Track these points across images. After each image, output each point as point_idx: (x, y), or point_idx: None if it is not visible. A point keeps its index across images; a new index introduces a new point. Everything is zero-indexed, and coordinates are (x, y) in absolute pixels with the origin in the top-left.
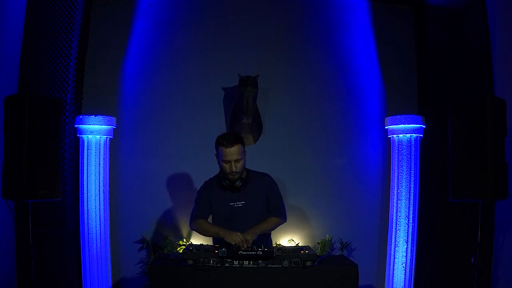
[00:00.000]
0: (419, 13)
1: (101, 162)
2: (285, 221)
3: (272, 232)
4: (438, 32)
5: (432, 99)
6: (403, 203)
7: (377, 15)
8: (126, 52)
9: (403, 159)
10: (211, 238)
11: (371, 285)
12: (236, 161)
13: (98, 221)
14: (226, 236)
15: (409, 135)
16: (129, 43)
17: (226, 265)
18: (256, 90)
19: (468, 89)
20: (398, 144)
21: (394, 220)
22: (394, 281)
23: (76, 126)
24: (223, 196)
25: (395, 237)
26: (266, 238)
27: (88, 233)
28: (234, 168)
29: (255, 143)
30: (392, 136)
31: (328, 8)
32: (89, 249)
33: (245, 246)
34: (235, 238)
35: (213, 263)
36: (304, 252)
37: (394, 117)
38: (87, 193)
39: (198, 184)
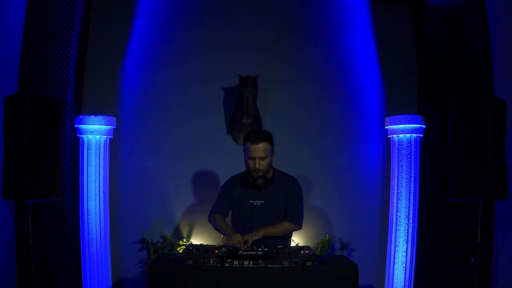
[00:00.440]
0: (419, 13)
1: (101, 162)
2: (300, 228)
3: None
4: (438, 32)
5: (432, 99)
6: (403, 203)
7: (377, 15)
8: (126, 52)
9: (403, 159)
10: (211, 238)
11: (371, 285)
12: (261, 158)
13: (98, 221)
14: (228, 237)
15: (409, 135)
16: (129, 43)
17: (226, 265)
18: (256, 90)
19: (468, 89)
20: (398, 144)
21: (394, 220)
22: (394, 281)
23: (76, 126)
24: (244, 193)
25: (395, 237)
26: (285, 241)
27: (88, 233)
28: (257, 165)
29: None
30: (392, 136)
31: (328, 8)
32: (89, 249)
33: (244, 246)
34: (233, 239)
35: (213, 263)
36: (304, 252)
37: (394, 117)
38: (87, 193)
39: (198, 184)
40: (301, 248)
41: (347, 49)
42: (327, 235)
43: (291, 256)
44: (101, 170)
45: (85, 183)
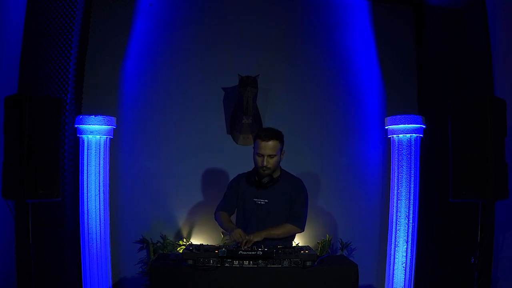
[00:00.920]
0: (419, 13)
1: (101, 162)
2: (302, 231)
3: None
4: (438, 32)
5: (432, 99)
6: (403, 203)
7: (377, 15)
8: (126, 52)
9: (403, 159)
10: (211, 238)
11: (371, 285)
12: (270, 156)
13: (98, 221)
14: (230, 233)
15: (409, 135)
16: (129, 43)
17: (226, 265)
18: (256, 90)
19: (468, 89)
20: (398, 144)
21: (394, 220)
22: (394, 281)
23: (76, 126)
24: (249, 190)
25: (395, 237)
26: (286, 243)
27: (88, 233)
28: (265, 163)
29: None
30: (392, 136)
31: (328, 8)
32: (89, 249)
33: (245, 246)
34: (235, 234)
35: (213, 263)
36: (304, 252)
37: (394, 117)
38: (87, 193)
39: (198, 184)
40: (301, 248)
41: (347, 49)
42: (327, 235)
43: (291, 256)
44: (101, 170)
45: (85, 183)
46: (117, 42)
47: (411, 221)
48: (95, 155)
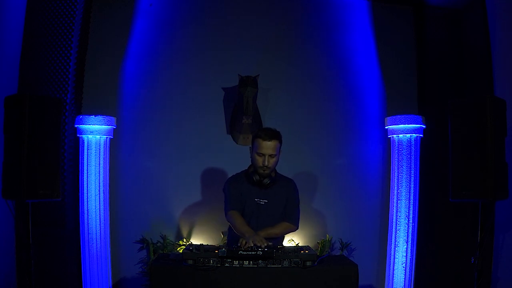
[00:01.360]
0: (419, 13)
1: (101, 162)
2: (297, 229)
3: None
4: (438, 32)
5: (432, 99)
6: (403, 203)
7: (377, 15)
8: (126, 52)
9: (403, 159)
10: (211, 238)
11: (371, 285)
12: (270, 156)
13: (98, 221)
14: (249, 239)
15: (409, 135)
16: (129, 43)
17: (226, 265)
18: (256, 90)
19: (468, 89)
20: (398, 144)
21: (394, 220)
22: (394, 281)
23: (76, 126)
24: (250, 190)
25: (395, 237)
26: (279, 242)
27: (88, 233)
28: (266, 163)
29: None
30: (392, 136)
31: (328, 8)
32: (89, 249)
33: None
34: (258, 240)
35: (213, 263)
36: (304, 252)
37: (394, 117)
38: (87, 193)
39: (198, 184)
40: (301, 248)
41: (347, 49)
42: (327, 235)
43: (291, 256)
44: (101, 170)
45: (85, 183)
46: (117, 42)
47: (411, 221)
48: (95, 155)
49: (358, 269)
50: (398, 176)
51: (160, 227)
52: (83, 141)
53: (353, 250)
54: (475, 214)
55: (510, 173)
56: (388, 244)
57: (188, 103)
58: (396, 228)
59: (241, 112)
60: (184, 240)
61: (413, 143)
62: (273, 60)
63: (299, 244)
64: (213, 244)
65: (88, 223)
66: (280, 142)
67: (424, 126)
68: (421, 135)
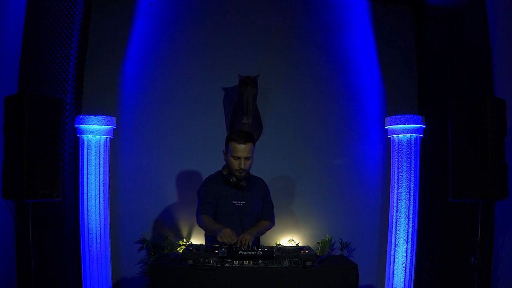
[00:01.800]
0: (419, 13)
1: (101, 162)
2: (273, 226)
3: (273, 232)
4: (438, 32)
5: (432, 99)
6: (403, 203)
7: (377, 15)
8: (126, 52)
9: (403, 159)
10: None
11: (371, 285)
12: (246, 158)
13: (98, 221)
14: (218, 233)
15: (409, 135)
16: (129, 43)
17: (226, 265)
18: (256, 90)
19: (468, 89)
20: (398, 144)
21: (394, 220)
22: (394, 281)
23: (76, 126)
24: (227, 193)
25: (395, 237)
26: (257, 242)
27: (88, 233)
28: (243, 165)
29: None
30: (392, 136)
31: (328, 8)
32: (89, 249)
33: (245, 246)
34: (225, 235)
35: (213, 263)
36: (304, 252)
37: (394, 117)
38: (87, 193)
39: (198, 184)
40: (301, 248)
41: (347, 49)
42: (327, 235)
43: (291, 256)
44: (101, 170)
45: (85, 183)
46: (117, 42)
47: (411, 221)
48: (95, 155)
49: (358, 269)
50: (398, 176)
51: (160, 227)
52: (83, 141)
53: (353, 250)
54: (475, 214)
55: (510, 173)
56: (388, 244)
57: (188, 103)
58: (396, 228)
59: (241, 112)
60: (184, 240)
61: (413, 143)
62: (273, 60)
63: (299, 244)
64: None
65: (88, 223)
66: (254, 144)
67: (424, 126)
68: (421, 135)
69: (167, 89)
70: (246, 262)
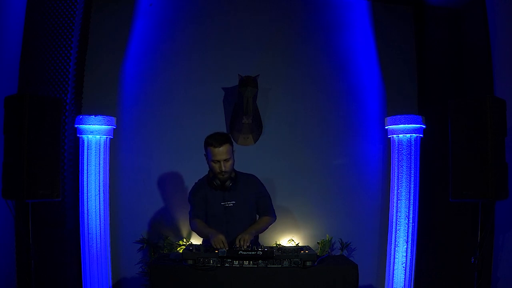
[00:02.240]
0: (419, 13)
1: (101, 162)
2: (276, 219)
3: (273, 232)
4: (438, 32)
5: (432, 99)
6: (403, 203)
7: (377, 15)
8: (126, 52)
9: (403, 159)
10: None
11: (371, 285)
12: (225, 160)
13: (98, 221)
14: (211, 238)
15: (409, 135)
16: (129, 43)
17: (226, 265)
18: (256, 90)
19: (468, 89)
20: (398, 144)
21: (394, 220)
22: (394, 281)
23: (76, 126)
24: (215, 195)
25: (395, 237)
26: (256, 240)
27: (88, 233)
28: (223, 168)
29: (255, 143)
30: (392, 136)
31: (328, 8)
32: (89, 249)
33: (245, 246)
34: (216, 241)
35: (213, 263)
36: (304, 252)
37: (394, 117)
38: (87, 193)
39: None
40: (301, 248)
41: (347, 49)
42: (327, 235)
43: (291, 256)
44: (101, 170)
45: (85, 183)
46: (117, 42)
47: (411, 221)
48: (95, 155)
49: (358, 269)
50: (398, 176)
51: (160, 227)
52: (83, 141)
53: (353, 250)
54: (475, 214)
55: (510, 173)
56: (388, 244)
57: (188, 103)
58: (396, 228)
59: (241, 112)
60: (184, 240)
61: (413, 143)
62: (273, 60)
63: (299, 244)
64: None
65: (88, 223)
66: (231, 144)
67: (424, 126)
68: (421, 135)
69: (167, 89)
70: (246, 262)
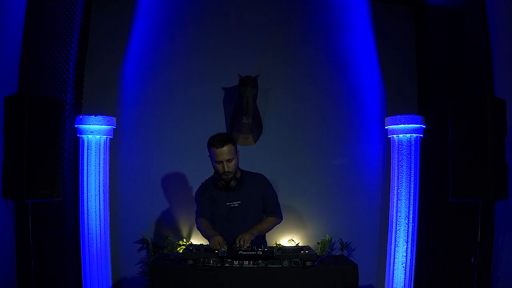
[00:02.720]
0: (419, 13)
1: (101, 162)
2: (282, 220)
3: (273, 232)
4: (438, 32)
5: (432, 99)
6: (403, 203)
7: (377, 15)
8: (126, 52)
9: (403, 159)
10: None
11: (371, 285)
12: (228, 161)
13: (98, 221)
14: (209, 240)
15: (409, 135)
16: (129, 43)
17: (226, 265)
18: (256, 90)
19: (468, 89)
20: (398, 144)
21: (394, 220)
22: (394, 281)
23: (76, 126)
24: (220, 196)
25: (395, 237)
26: (261, 240)
27: (88, 233)
28: (226, 168)
29: (255, 143)
30: (392, 136)
31: (328, 8)
32: (89, 249)
33: (245, 246)
34: (213, 242)
35: (213, 263)
36: (304, 252)
37: (394, 117)
38: (87, 193)
39: (197, 184)
40: (301, 248)
41: (347, 49)
42: (327, 235)
43: (291, 256)
44: (101, 170)
45: (85, 183)
46: (117, 42)
47: (411, 221)
48: (95, 155)
49: (358, 269)
50: (398, 176)
51: (160, 227)
52: (83, 141)
53: (353, 250)
54: (475, 214)
55: (510, 173)
56: (388, 244)
57: (188, 103)
58: (396, 228)
59: (241, 112)
60: (184, 240)
61: (413, 143)
62: (273, 60)
63: (299, 244)
64: None
65: (88, 223)
66: (234, 144)
67: (424, 126)
68: (421, 135)
69: (167, 89)
70: (246, 262)
